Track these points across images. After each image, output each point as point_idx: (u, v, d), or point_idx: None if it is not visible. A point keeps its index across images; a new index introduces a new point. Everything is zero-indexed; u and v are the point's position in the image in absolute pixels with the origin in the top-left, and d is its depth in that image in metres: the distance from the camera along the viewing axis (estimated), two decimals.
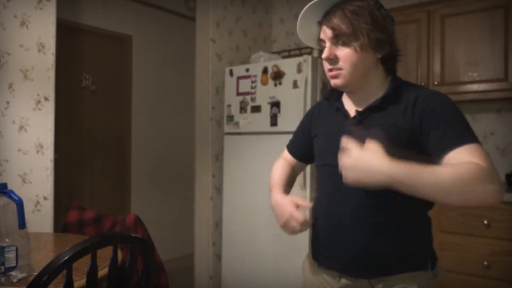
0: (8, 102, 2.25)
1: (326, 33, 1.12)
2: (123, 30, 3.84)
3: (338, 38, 1.10)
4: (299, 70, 2.73)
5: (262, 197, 2.76)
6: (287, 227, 1.17)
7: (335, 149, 1.17)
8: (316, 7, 1.13)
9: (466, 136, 1.02)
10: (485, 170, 0.95)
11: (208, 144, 3.23)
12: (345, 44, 1.09)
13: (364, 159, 0.96)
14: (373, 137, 1.04)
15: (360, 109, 1.15)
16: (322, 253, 1.21)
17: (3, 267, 1.22)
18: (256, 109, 2.94)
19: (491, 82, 2.47)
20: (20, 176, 2.28)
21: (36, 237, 1.83)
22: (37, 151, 2.34)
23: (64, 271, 1.01)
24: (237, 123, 3.04)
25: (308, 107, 2.65)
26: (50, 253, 1.67)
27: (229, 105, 3.10)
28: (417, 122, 1.06)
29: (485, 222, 2.18)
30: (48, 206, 2.37)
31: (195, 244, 3.33)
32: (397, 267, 1.10)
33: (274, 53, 3.61)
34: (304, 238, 2.57)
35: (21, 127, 2.29)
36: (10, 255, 1.23)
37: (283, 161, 1.44)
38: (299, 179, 2.66)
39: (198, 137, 3.31)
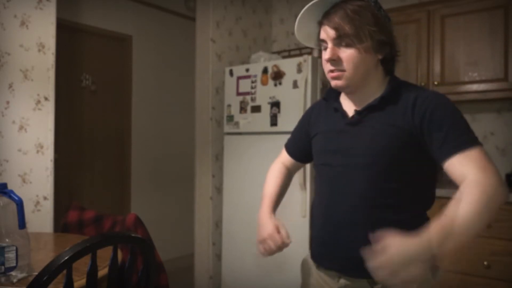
0: (8, 102, 2.25)
1: (329, 33, 1.10)
2: (123, 30, 3.84)
3: (341, 39, 1.09)
4: (299, 70, 2.73)
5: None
6: (263, 244, 1.22)
7: (333, 149, 1.18)
8: (315, 7, 1.12)
9: (467, 140, 1.02)
10: (492, 185, 0.95)
11: (208, 144, 3.23)
12: (348, 45, 1.08)
13: (399, 253, 0.88)
14: (373, 136, 1.05)
15: (358, 109, 1.16)
16: (321, 253, 1.21)
17: (3, 267, 1.22)
18: (256, 109, 2.94)
19: (491, 82, 2.47)
20: (20, 176, 2.28)
21: (36, 237, 1.83)
22: (37, 151, 2.34)
23: (64, 271, 1.01)
24: (237, 123, 3.04)
25: (308, 107, 2.65)
26: (50, 253, 1.67)
27: (229, 105, 3.10)
28: (417, 123, 1.06)
29: None
30: (48, 206, 2.37)
31: (195, 244, 3.33)
32: None
33: (274, 53, 3.61)
34: (304, 239, 2.57)
35: (21, 127, 2.29)
36: (10, 255, 1.23)
37: (279, 167, 1.44)
38: (299, 179, 2.67)
39: (198, 137, 3.31)
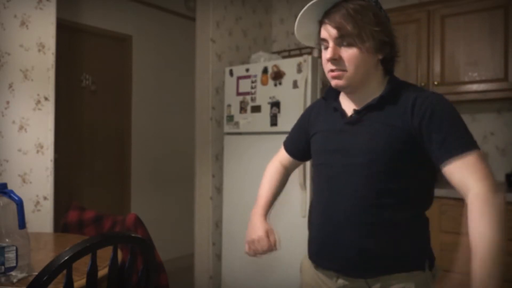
0: (8, 102, 2.25)
1: (330, 32, 1.10)
2: (123, 30, 3.84)
3: (343, 38, 1.08)
4: (299, 70, 2.73)
5: None
6: (250, 245, 1.28)
7: (332, 148, 1.18)
8: (315, 6, 1.11)
9: (466, 143, 1.03)
10: (488, 195, 0.98)
11: (208, 144, 3.23)
12: (350, 45, 1.08)
13: None
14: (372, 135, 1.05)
15: (357, 109, 1.15)
16: (319, 253, 1.21)
17: (3, 267, 1.22)
18: (256, 109, 2.94)
19: (491, 82, 2.47)
20: (20, 176, 2.28)
21: (36, 237, 1.83)
22: (37, 151, 2.34)
23: (64, 271, 1.01)
24: (237, 123, 3.04)
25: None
26: (50, 253, 1.67)
27: (229, 105, 3.10)
28: (416, 124, 1.06)
29: None
30: (48, 206, 2.37)
31: (195, 244, 3.33)
32: (393, 267, 1.10)
33: (274, 53, 3.61)
34: (304, 239, 2.57)
35: (21, 127, 2.29)
36: (10, 255, 1.23)
37: (276, 166, 1.44)
38: (299, 179, 2.67)
39: (198, 137, 3.31)
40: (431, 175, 1.16)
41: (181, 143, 4.24)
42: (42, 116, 2.36)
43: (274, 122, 2.85)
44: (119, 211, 3.75)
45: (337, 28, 1.08)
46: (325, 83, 2.74)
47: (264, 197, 1.39)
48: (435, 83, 2.61)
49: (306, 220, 2.75)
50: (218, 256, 3.26)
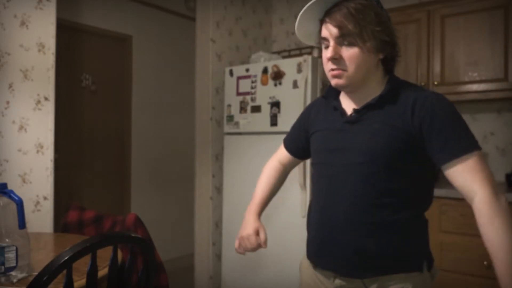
0: (8, 102, 2.25)
1: (331, 31, 1.09)
2: (123, 30, 3.84)
3: (344, 38, 1.08)
4: (299, 70, 2.73)
5: None
6: (240, 242, 1.30)
7: (332, 147, 1.17)
8: (316, 6, 1.11)
9: (468, 144, 1.04)
10: (494, 200, 1.00)
11: (208, 144, 3.23)
12: (351, 44, 1.08)
13: None
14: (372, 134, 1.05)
15: (357, 108, 1.15)
16: (317, 253, 1.21)
17: (3, 267, 1.22)
18: (256, 109, 2.94)
19: (491, 82, 2.47)
20: (20, 176, 2.28)
21: (36, 237, 1.83)
22: (37, 151, 2.34)
23: (64, 271, 1.01)
24: (237, 123, 3.04)
25: None
26: (50, 253, 1.67)
27: (229, 105, 3.10)
28: (417, 125, 1.06)
29: None
30: (48, 206, 2.37)
31: (195, 244, 3.33)
32: (391, 267, 1.10)
33: (274, 53, 3.61)
34: (304, 239, 2.57)
35: (21, 127, 2.29)
36: (10, 255, 1.23)
37: (274, 165, 1.45)
38: (299, 179, 2.67)
39: (198, 137, 3.31)
40: (431, 175, 1.16)
41: (181, 143, 4.24)
42: (42, 116, 2.36)
43: (274, 122, 2.85)
44: (119, 211, 3.75)
45: (338, 27, 1.07)
46: (325, 83, 2.74)
47: (259, 195, 1.40)
48: (435, 83, 2.61)
49: (306, 220, 2.75)
50: (218, 256, 3.26)
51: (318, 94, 2.73)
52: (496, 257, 0.97)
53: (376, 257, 1.09)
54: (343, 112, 1.18)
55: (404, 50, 2.64)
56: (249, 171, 2.93)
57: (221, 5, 3.29)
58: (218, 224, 3.26)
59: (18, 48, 2.27)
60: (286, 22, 3.74)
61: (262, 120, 2.91)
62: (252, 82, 2.97)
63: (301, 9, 1.13)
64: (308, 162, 2.61)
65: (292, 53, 3.55)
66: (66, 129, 3.40)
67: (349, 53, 1.08)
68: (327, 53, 1.11)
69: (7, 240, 1.26)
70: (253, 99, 2.96)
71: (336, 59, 1.09)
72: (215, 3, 3.24)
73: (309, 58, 2.70)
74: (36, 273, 0.98)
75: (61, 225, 2.12)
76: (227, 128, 3.11)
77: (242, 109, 3.01)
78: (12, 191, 1.32)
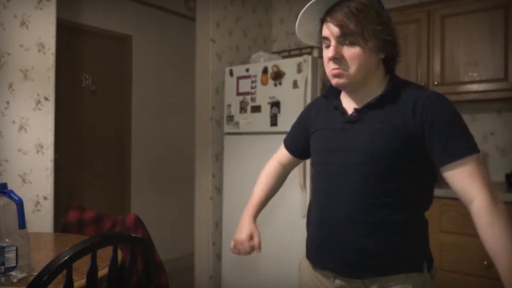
0: (8, 102, 2.25)
1: (333, 30, 1.09)
2: (123, 30, 3.84)
3: (346, 37, 1.07)
4: (299, 70, 2.73)
5: None
6: (236, 244, 1.35)
7: (332, 147, 1.17)
8: (315, 5, 1.11)
9: (468, 147, 1.05)
10: (492, 204, 1.01)
11: (208, 144, 3.23)
12: (352, 43, 1.07)
13: None
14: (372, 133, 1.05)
15: (357, 107, 1.15)
16: (317, 253, 1.20)
17: (3, 267, 1.22)
18: (256, 109, 2.94)
19: (491, 82, 2.47)
20: (20, 176, 2.28)
21: (36, 237, 1.83)
22: (37, 151, 2.34)
23: (64, 271, 1.01)
24: (237, 123, 3.04)
25: None
26: (50, 253, 1.67)
27: (229, 105, 3.10)
28: (418, 125, 1.06)
29: None
30: (48, 206, 2.37)
31: (195, 244, 3.33)
32: (391, 268, 1.10)
33: (274, 53, 3.61)
34: (304, 239, 2.57)
35: (21, 127, 2.29)
36: (10, 255, 1.23)
37: (274, 166, 1.45)
38: (299, 179, 2.67)
39: (198, 137, 3.31)
40: (431, 175, 1.16)
41: (181, 143, 4.24)
42: (42, 116, 2.36)
43: (274, 122, 2.85)
44: (119, 211, 3.75)
45: (340, 26, 1.07)
46: (325, 83, 2.74)
47: (257, 196, 1.42)
48: (435, 83, 2.61)
49: (305, 220, 2.75)
50: (218, 256, 3.26)
51: (318, 94, 2.73)
52: (499, 262, 0.98)
53: (376, 257, 1.09)
54: (343, 111, 1.18)
55: (404, 50, 2.64)
56: (249, 171, 2.93)
57: (221, 5, 3.29)
58: (218, 224, 3.26)
59: (18, 48, 2.27)
60: (286, 22, 3.74)
61: (262, 120, 2.91)
62: (252, 82, 2.97)
63: (301, 9, 1.12)
64: (308, 162, 2.61)
65: (292, 53, 3.55)
66: (66, 129, 3.40)
67: (350, 52, 1.08)
68: (328, 53, 1.10)
69: (7, 240, 1.26)
70: (253, 99, 2.96)
71: (338, 58, 1.09)
72: (215, 3, 3.24)
73: (309, 58, 2.70)
74: (36, 273, 0.98)
75: (61, 225, 2.12)
76: (227, 128, 3.11)
77: (242, 109, 3.01)
78: (12, 191, 1.32)
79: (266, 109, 2.89)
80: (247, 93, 2.99)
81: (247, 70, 3.01)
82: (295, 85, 2.75)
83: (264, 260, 2.85)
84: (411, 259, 1.11)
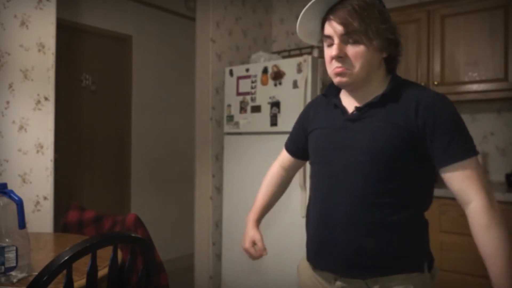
0: (8, 102, 2.25)
1: (336, 28, 1.08)
2: (123, 30, 3.84)
3: (350, 36, 1.06)
4: (299, 70, 2.73)
5: None
6: (244, 252, 1.39)
7: (332, 145, 1.16)
8: (319, 3, 1.10)
9: (468, 148, 1.06)
10: (489, 207, 1.03)
11: (208, 144, 3.23)
12: (356, 42, 1.06)
13: None
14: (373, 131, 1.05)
15: (359, 105, 1.15)
16: (317, 254, 1.20)
17: (3, 267, 1.22)
18: (256, 109, 2.94)
19: (491, 82, 2.47)
20: (20, 176, 2.28)
21: (36, 237, 1.83)
22: (37, 151, 2.34)
23: (64, 271, 1.01)
24: (237, 123, 3.04)
25: None
26: (50, 253, 1.67)
27: (229, 105, 3.10)
28: (420, 124, 1.06)
29: None
30: (48, 206, 2.37)
31: (195, 244, 3.33)
32: (391, 268, 1.09)
33: (274, 53, 3.61)
34: (304, 239, 2.57)
35: (21, 127, 2.29)
36: (10, 255, 1.23)
37: (277, 170, 1.45)
38: (299, 179, 2.66)
39: (198, 137, 3.31)
40: (431, 175, 1.16)
41: (181, 143, 4.24)
42: (42, 116, 2.36)
43: (274, 122, 2.85)
44: (119, 211, 3.75)
45: (343, 24, 1.06)
46: (325, 83, 2.74)
47: (258, 201, 1.44)
48: (435, 83, 2.61)
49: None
50: (218, 256, 3.26)
51: (318, 94, 2.73)
52: (492, 265, 1.00)
53: (376, 257, 1.09)
54: (343, 110, 1.17)
55: (404, 50, 2.64)
56: (249, 171, 2.93)
57: (221, 5, 3.29)
58: (218, 224, 3.26)
59: (18, 48, 2.27)
60: (286, 22, 3.74)
61: (262, 120, 2.91)
62: (252, 82, 2.97)
63: (301, 9, 1.12)
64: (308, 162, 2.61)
65: (292, 53, 3.55)
66: (66, 129, 3.40)
67: (354, 51, 1.07)
68: (331, 51, 1.10)
69: (7, 240, 1.26)
70: (253, 99, 2.96)
71: (341, 57, 1.08)
72: (215, 3, 3.24)
73: (309, 58, 2.70)
74: (36, 273, 0.98)
75: (61, 225, 2.12)
76: (227, 128, 3.11)
77: (242, 109, 3.01)
78: (12, 191, 1.32)
79: (266, 109, 2.89)
80: (247, 93, 2.99)
81: (247, 70, 3.01)
82: (295, 85, 2.75)
83: (264, 260, 2.85)
84: (411, 259, 1.11)
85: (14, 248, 1.23)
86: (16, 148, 2.27)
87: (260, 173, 2.80)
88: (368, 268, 1.10)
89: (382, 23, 1.08)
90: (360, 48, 1.07)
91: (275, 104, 2.84)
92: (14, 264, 1.24)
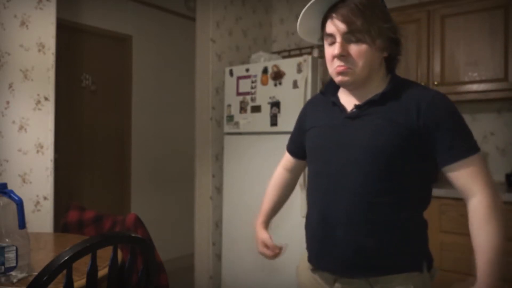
0: (8, 102, 2.25)
1: (339, 27, 1.06)
2: (123, 30, 3.84)
3: (352, 34, 1.06)
4: (299, 70, 2.73)
5: (262, 197, 2.75)
6: (262, 255, 1.41)
7: (331, 144, 1.15)
8: (316, 5, 1.09)
9: (470, 146, 1.06)
10: (493, 202, 1.03)
11: (208, 144, 3.23)
12: (359, 41, 1.06)
13: None
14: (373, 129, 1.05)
15: (358, 103, 1.14)
16: (316, 254, 1.19)
17: (3, 267, 1.22)
18: (256, 109, 2.94)
19: (491, 82, 2.47)
20: (20, 176, 2.28)
21: (36, 237, 1.83)
22: (37, 151, 2.34)
23: (64, 271, 1.01)
24: (237, 123, 3.04)
25: None
26: (50, 253, 1.67)
27: (229, 105, 3.10)
28: (422, 123, 1.06)
29: None
30: (48, 206, 2.37)
31: (195, 244, 3.32)
32: (391, 267, 1.09)
33: (274, 53, 3.61)
34: (304, 239, 2.57)
35: (21, 127, 2.29)
36: (10, 255, 1.23)
37: (281, 173, 1.46)
38: (299, 179, 2.66)
39: (198, 137, 3.31)
40: (431, 175, 1.16)
41: (181, 143, 4.24)
42: (42, 116, 2.36)
43: (274, 122, 2.85)
44: (119, 211, 3.75)
45: (346, 22, 1.05)
46: (325, 83, 2.74)
47: (265, 205, 1.45)
48: (435, 83, 2.61)
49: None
50: (218, 256, 3.26)
51: None
52: (481, 253, 1.01)
53: (376, 256, 1.09)
54: (342, 107, 1.16)
55: (404, 50, 2.64)
56: (249, 171, 2.93)
57: (221, 5, 3.29)
58: (218, 224, 3.26)
59: (18, 48, 2.27)
60: (286, 22, 3.74)
61: (262, 120, 2.91)
62: (252, 82, 2.97)
63: (301, 9, 1.11)
64: None
65: (292, 53, 3.55)
66: (66, 129, 3.39)
67: (357, 50, 1.06)
68: (333, 50, 1.09)
69: (7, 240, 1.26)
70: (253, 99, 2.96)
71: (344, 56, 1.07)
72: (215, 3, 3.24)
73: (309, 58, 2.70)
74: (36, 273, 0.98)
75: (61, 225, 2.12)
76: (227, 128, 3.11)
77: (242, 109, 3.01)
78: (12, 191, 1.32)
79: (266, 109, 2.89)
80: (247, 93, 2.99)
81: (247, 70, 3.01)
82: (295, 85, 2.75)
83: (264, 260, 2.85)
84: (411, 259, 1.11)
85: (14, 248, 1.23)
86: (16, 148, 2.27)
87: (260, 173, 2.81)
88: (368, 268, 1.10)
89: (385, 22, 1.07)
90: (363, 47, 1.06)
91: (275, 104, 2.84)
92: (14, 264, 1.24)
